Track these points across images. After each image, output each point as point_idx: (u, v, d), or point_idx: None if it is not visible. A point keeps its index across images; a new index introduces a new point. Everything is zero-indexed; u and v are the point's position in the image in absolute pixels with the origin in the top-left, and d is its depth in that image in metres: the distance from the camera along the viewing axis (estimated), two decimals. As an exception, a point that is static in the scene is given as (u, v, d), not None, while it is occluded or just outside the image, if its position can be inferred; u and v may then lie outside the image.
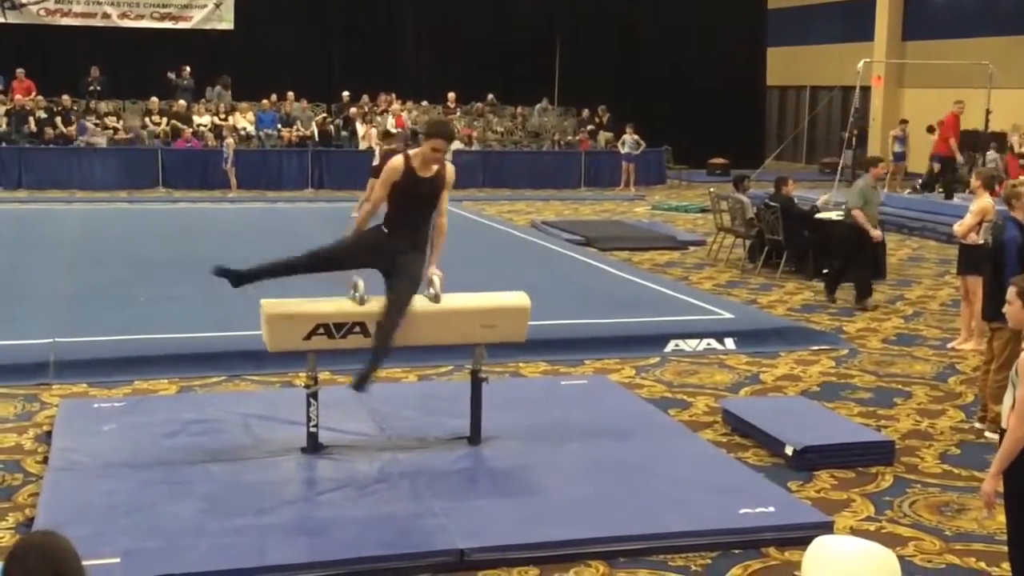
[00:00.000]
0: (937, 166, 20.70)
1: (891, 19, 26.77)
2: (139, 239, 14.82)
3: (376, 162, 16.98)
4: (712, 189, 17.03)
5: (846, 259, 11.78)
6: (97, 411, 7.23)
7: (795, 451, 6.63)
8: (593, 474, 6.30)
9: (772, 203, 13.31)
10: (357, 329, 6.21)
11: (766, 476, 6.41)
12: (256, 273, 6.31)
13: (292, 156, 22.74)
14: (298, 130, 23.38)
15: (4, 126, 21.98)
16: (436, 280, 6.31)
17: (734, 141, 26.83)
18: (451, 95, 25.23)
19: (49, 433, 6.92)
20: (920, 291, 12.68)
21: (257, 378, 8.41)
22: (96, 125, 22.38)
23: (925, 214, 17.85)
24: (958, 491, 6.30)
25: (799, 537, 5.20)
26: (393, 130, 21.44)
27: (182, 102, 23.13)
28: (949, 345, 9.87)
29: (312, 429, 6.44)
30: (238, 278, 6.29)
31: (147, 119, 22.77)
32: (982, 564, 5.33)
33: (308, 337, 6.19)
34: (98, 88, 23.33)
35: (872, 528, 5.74)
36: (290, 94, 23.92)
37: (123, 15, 24.56)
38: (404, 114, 23.84)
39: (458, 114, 25.17)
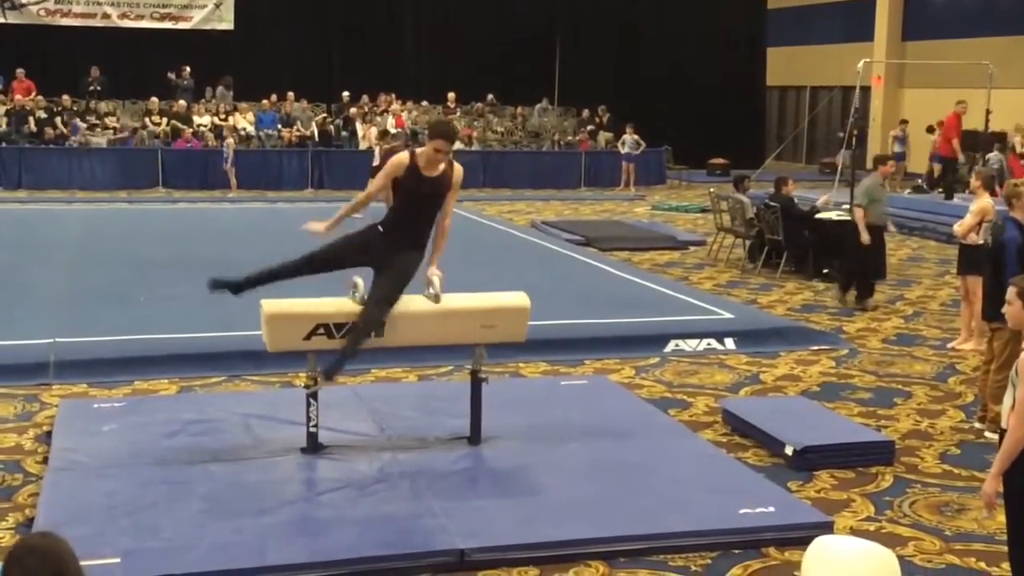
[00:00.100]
0: (938, 166, 20.70)
1: (891, 19, 26.77)
2: (139, 239, 14.82)
3: (376, 162, 17.02)
4: (712, 189, 17.03)
5: (859, 259, 11.64)
6: (97, 411, 7.23)
7: (795, 451, 6.63)
8: (593, 474, 6.30)
9: (772, 203, 13.31)
10: (357, 329, 6.20)
11: (766, 476, 6.41)
12: (254, 280, 6.31)
13: (292, 156, 22.74)
14: (298, 130, 23.38)
15: (4, 126, 21.99)
16: (436, 280, 6.31)
17: (734, 141, 26.83)
18: (451, 95, 25.22)
19: (49, 433, 6.92)
20: (920, 291, 12.68)
21: (257, 378, 8.41)
22: (96, 125, 22.38)
23: (925, 214, 17.85)
24: (958, 491, 6.30)
25: (799, 537, 5.20)
26: (392, 130, 21.47)
27: (182, 102, 23.13)
28: (949, 345, 9.87)
29: (312, 429, 6.44)
30: (236, 287, 6.29)
31: (147, 119, 22.77)
32: (982, 564, 5.33)
33: (308, 337, 6.19)
34: (98, 88, 23.33)
35: (872, 528, 5.74)
36: (290, 94, 23.92)
37: (123, 15, 24.56)
38: (404, 114, 23.84)
39: (458, 114, 25.16)
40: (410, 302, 6.34)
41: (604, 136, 25.29)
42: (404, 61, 26.96)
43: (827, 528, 5.49)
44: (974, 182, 9.87)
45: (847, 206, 14.36)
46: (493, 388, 6.77)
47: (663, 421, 7.41)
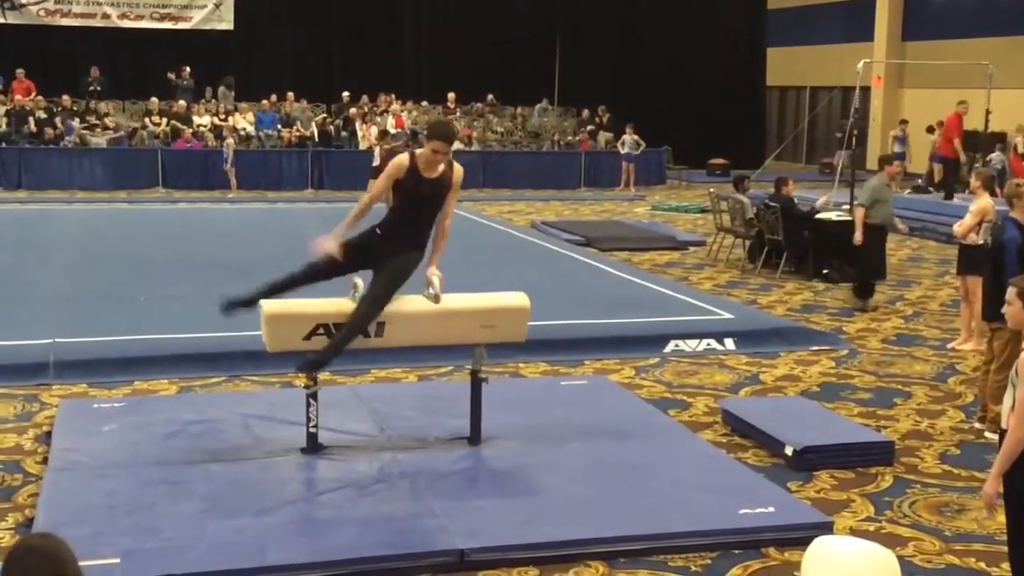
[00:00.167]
0: (938, 166, 20.69)
1: (891, 19, 26.78)
2: (139, 239, 14.82)
3: (376, 163, 17.01)
4: (712, 189, 17.02)
5: (869, 261, 11.54)
6: (97, 411, 7.23)
7: (795, 451, 6.63)
8: (593, 474, 6.29)
9: (772, 203, 13.31)
10: (357, 329, 6.20)
11: (766, 476, 6.41)
12: (263, 294, 6.32)
13: (292, 156, 22.74)
14: (298, 130, 23.38)
15: (4, 126, 21.98)
16: (436, 280, 6.31)
17: (734, 141, 26.82)
18: (451, 95, 25.23)
19: (49, 433, 6.92)
20: (920, 291, 12.68)
21: (257, 378, 8.41)
22: (96, 126, 22.37)
23: (925, 214, 17.85)
24: (958, 491, 6.30)
25: (799, 537, 5.20)
26: (392, 130, 21.46)
27: (182, 102, 23.13)
28: (949, 345, 9.87)
29: (312, 429, 6.44)
30: (247, 303, 6.29)
31: (147, 119, 22.77)
32: (982, 564, 5.33)
33: (308, 337, 6.19)
34: (98, 88, 23.32)
35: (872, 528, 5.74)
36: (290, 94, 23.92)
37: (123, 15, 24.56)
38: (404, 114, 23.84)
39: (458, 114, 25.17)
40: (410, 302, 6.35)
41: (604, 136, 25.28)
42: (404, 61, 26.96)
43: (827, 528, 5.49)
44: (974, 182, 9.87)
45: (847, 206, 14.39)
46: (493, 388, 6.77)
47: (663, 421, 7.41)
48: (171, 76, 23.65)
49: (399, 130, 22.08)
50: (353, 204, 6.58)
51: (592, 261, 13.86)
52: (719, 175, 24.97)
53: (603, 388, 8.18)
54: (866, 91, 22.27)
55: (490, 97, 26.12)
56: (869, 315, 11.16)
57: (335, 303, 6.27)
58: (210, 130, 22.72)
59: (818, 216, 13.48)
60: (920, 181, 21.54)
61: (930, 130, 21.58)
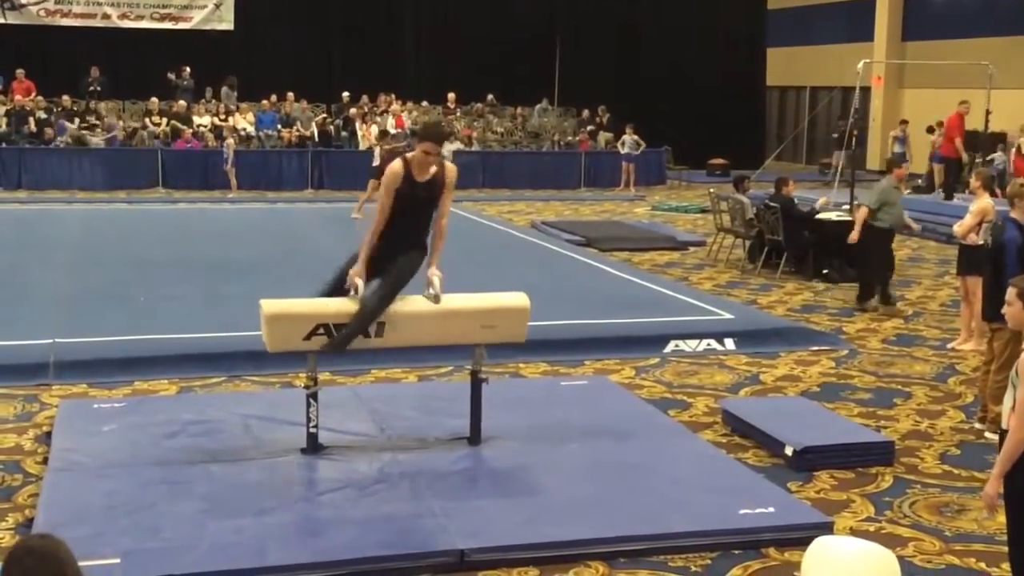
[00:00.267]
0: (938, 166, 20.69)
1: (891, 19, 26.77)
2: (139, 239, 14.82)
3: (376, 163, 17.00)
4: (712, 189, 17.01)
5: (881, 264, 11.48)
6: (97, 411, 7.23)
7: (795, 451, 6.63)
8: (593, 474, 6.29)
9: (772, 203, 13.31)
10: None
11: (766, 476, 6.40)
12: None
13: (292, 157, 22.74)
14: (298, 130, 23.38)
15: (4, 126, 21.98)
16: (436, 280, 6.32)
17: (734, 141, 26.81)
18: (451, 95, 25.23)
19: (49, 434, 6.92)
20: (920, 291, 12.68)
21: (257, 378, 8.40)
22: (96, 126, 22.36)
23: (925, 214, 17.83)
24: (958, 491, 6.30)
25: (799, 538, 5.20)
26: (392, 130, 21.46)
27: (182, 102, 23.13)
28: (949, 346, 9.87)
29: (312, 430, 6.44)
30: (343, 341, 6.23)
31: (147, 119, 22.77)
32: (982, 565, 5.33)
33: (308, 337, 6.19)
34: (98, 88, 23.32)
35: (872, 528, 5.74)
36: (290, 94, 23.92)
37: (123, 15, 24.56)
38: (404, 114, 23.84)
39: (458, 114, 25.17)
40: (410, 302, 6.35)
41: (604, 136, 25.28)
42: (404, 61, 26.96)
43: (827, 528, 5.49)
44: (974, 182, 9.87)
45: (847, 206, 14.38)
46: (493, 388, 6.77)
47: (663, 421, 7.41)
48: (171, 76, 23.65)
49: (399, 130, 22.09)
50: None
51: (592, 261, 13.85)
52: (719, 175, 24.96)
53: (603, 388, 8.18)
54: (866, 91, 22.26)
55: (490, 97, 26.12)
56: (869, 315, 11.15)
57: (335, 303, 6.28)
58: (210, 130, 22.72)
59: (818, 216, 13.48)
60: (920, 181, 21.54)
61: (930, 130, 21.58)
